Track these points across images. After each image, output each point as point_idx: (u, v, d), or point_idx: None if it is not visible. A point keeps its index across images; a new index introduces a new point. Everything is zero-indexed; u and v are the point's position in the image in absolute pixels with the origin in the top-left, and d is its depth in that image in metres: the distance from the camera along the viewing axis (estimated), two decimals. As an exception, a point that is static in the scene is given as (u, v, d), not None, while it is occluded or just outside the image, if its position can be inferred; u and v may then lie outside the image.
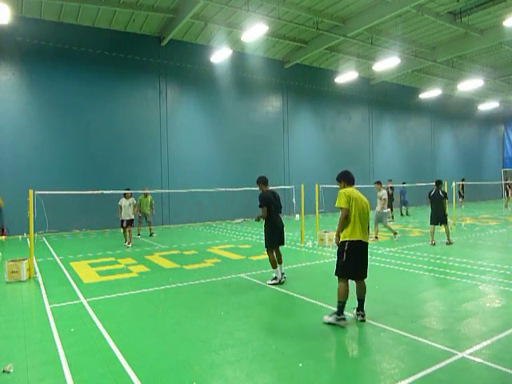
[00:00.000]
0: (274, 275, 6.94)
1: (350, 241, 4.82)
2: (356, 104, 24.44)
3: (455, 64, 22.23)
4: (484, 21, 17.31)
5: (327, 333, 4.61)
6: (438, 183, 11.10)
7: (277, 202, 7.08)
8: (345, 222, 4.87)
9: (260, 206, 6.88)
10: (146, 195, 13.73)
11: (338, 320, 4.82)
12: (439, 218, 10.85)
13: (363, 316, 5.03)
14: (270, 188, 7.22)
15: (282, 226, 7.09)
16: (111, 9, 14.94)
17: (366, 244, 4.95)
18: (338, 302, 4.87)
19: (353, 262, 4.83)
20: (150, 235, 13.96)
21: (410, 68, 22.35)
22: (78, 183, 14.91)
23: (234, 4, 14.78)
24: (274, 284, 6.81)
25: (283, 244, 7.14)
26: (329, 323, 4.83)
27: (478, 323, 4.82)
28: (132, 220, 11.84)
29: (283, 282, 6.88)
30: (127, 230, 11.70)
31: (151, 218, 14.08)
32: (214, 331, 4.71)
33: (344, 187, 5.13)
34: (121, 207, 11.72)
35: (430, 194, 11.18)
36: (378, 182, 12.09)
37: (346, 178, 5.19)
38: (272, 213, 6.93)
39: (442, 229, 11.16)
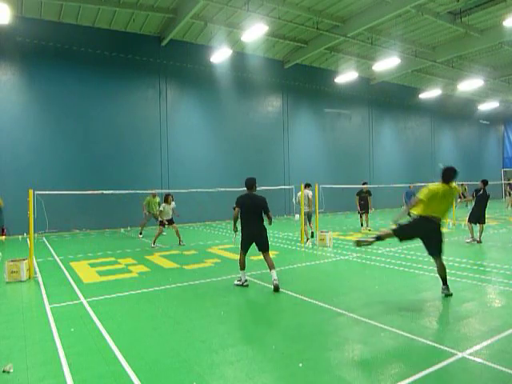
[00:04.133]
0: (240, 276, 6.86)
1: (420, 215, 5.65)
2: (356, 104, 24.42)
3: (455, 64, 22.22)
4: (484, 21, 17.31)
5: (327, 333, 4.61)
6: (487, 183, 11.11)
7: (251, 206, 6.58)
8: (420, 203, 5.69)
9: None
10: (154, 196, 13.95)
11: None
12: (479, 217, 10.95)
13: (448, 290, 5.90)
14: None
15: (257, 230, 6.64)
16: (111, 9, 14.94)
17: (437, 224, 5.63)
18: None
19: (413, 229, 5.72)
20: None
21: (410, 68, 22.35)
22: (78, 183, 14.92)
23: (233, 4, 14.78)
24: (237, 285, 6.75)
25: (264, 250, 6.71)
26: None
27: (478, 323, 4.82)
28: (172, 218, 11.75)
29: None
30: (172, 226, 11.76)
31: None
32: (214, 331, 4.71)
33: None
34: (161, 211, 11.44)
35: (476, 192, 11.15)
36: (308, 185, 11.86)
37: (443, 176, 5.79)
38: (243, 215, 6.64)
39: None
